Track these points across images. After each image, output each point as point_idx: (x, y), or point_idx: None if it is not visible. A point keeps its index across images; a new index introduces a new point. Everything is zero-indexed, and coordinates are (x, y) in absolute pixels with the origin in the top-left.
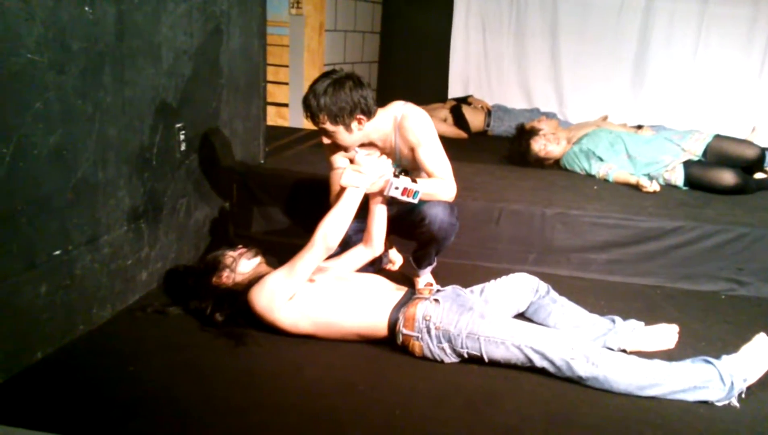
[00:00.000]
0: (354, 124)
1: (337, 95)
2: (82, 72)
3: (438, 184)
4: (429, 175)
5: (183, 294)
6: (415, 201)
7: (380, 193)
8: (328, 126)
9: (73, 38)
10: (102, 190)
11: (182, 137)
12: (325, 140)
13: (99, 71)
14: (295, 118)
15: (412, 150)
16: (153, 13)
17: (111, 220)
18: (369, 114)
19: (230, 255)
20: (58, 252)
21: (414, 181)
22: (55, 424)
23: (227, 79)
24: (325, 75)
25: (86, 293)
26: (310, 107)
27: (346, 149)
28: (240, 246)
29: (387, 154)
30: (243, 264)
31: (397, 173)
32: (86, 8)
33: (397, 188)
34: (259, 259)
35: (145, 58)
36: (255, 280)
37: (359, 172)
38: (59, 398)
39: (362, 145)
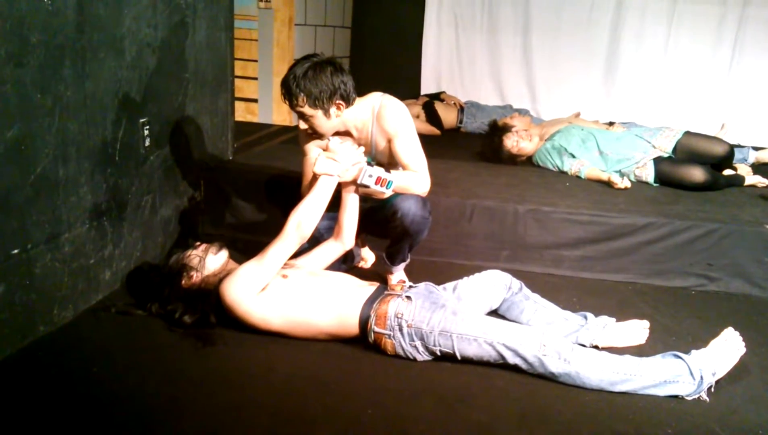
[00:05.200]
0: (333, 110)
1: (317, 78)
2: (41, 65)
3: (412, 177)
4: (404, 168)
5: (149, 296)
6: (389, 191)
7: (353, 182)
8: (307, 109)
9: (31, 30)
10: (62, 186)
11: (146, 132)
12: (302, 125)
13: (59, 64)
14: (264, 113)
15: (389, 141)
16: (115, 4)
17: (72, 217)
18: (348, 100)
19: (195, 254)
20: (16, 250)
21: (388, 171)
22: (16, 429)
23: (193, 73)
24: (305, 58)
25: (47, 293)
26: (289, 89)
27: (321, 136)
28: (199, 243)
29: (362, 144)
30: (210, 260)
31: (372, 164)
32: None
33: (371, 176)
34: (225, 252)
35: (107, 50)
36: (225, 275)
37: (333, 160)
38: (19, 402)
39: (338, 134)
